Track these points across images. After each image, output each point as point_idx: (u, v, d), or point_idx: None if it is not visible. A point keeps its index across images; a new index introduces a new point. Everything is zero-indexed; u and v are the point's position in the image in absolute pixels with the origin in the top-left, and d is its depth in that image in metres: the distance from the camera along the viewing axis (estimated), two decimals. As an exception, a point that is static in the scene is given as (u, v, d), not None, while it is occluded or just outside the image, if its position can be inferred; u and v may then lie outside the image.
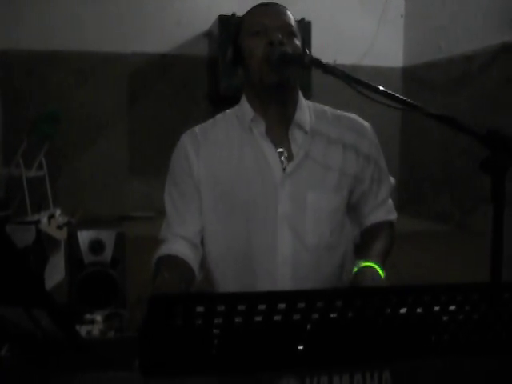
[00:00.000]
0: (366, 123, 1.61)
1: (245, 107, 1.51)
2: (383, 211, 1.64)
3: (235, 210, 1.51)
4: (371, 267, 1.40)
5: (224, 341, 0.73)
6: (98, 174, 3.93)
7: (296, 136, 1.51)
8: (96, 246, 2.14)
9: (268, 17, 1.45)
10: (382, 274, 1.38)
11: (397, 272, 3.03)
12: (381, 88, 1.24)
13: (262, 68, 1.43)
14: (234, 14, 3.82)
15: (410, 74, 4.27)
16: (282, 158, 1.52)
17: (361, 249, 1.57)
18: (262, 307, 0.72)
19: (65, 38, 3.77)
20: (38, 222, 2.30)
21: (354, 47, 4.36)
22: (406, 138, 4.46)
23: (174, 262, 1.47)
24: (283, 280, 1.51)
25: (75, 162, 3.90)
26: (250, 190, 1.49)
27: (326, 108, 1.62)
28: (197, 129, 1.57)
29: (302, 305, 0.74)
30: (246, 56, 1.45)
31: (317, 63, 1.26)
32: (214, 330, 0.73)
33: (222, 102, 3.95)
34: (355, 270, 1.41)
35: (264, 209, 1.50)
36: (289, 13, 1.49)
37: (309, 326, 0.77)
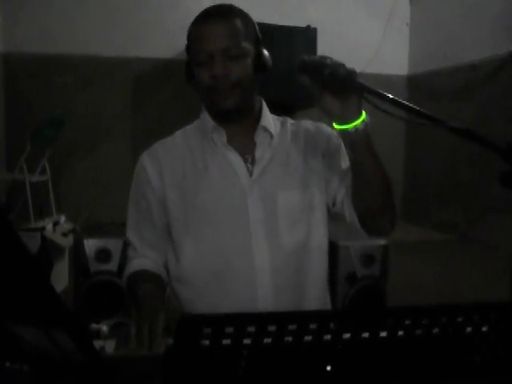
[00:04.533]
0: (322, 124, 1.59)
1: (205, 118, 1.50)
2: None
3: (206, 221, 1.49)
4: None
5: (252, 361, 0.71)
6: (101, 178, 3.91)
7: (262, 140, 1.51)
8: (102, 255, 2.11)
9: (209, 40, 1.39)
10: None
11: (401, 281, 3.02)
12: (399, 100, 1.22)
13: (209, 97, 1.43)
14: (239, 20, 3.81)
15: (415, 83, 4.26)
16: (248, 164, 1.51)
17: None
18: (292, 327, 0.69)
19: (69, 42, 3.76)
20: (42, 228, 2.27)
21: (359, 55, 4.34)
22: (410, 147, 4.45)
23: (146, 276, 1.48)
24: (263, 287, 1.49)
25: (78, 166, 3.87)
26: (219, 200, 1.47)
27: (285, 117, 1.62)
28: (157, 146, 1.55)
29: (331, 325, 0.72)
30: (196, 83, 1.44)
31: (334, 76, 1.24)
32: (243, 351, 0.70)
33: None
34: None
35: (235, 216, 1.48)
36: (234, 20, 1.44)
37: (339, 347, 0.75)
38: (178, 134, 1.57)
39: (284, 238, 1.51)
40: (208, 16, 1.45)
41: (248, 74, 1.44)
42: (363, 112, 1.30)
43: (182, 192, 1.49)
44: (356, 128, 1.30)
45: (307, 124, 1.60)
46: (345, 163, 1.57)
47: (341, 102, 1.28)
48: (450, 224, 3.89)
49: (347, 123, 1.30)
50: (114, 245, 2.13)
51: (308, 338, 0.70)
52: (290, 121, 1.61)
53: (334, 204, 1.57)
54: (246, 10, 3.71)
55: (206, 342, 0.67)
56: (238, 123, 1.51)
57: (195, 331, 0.65)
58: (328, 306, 1.67)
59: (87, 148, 3.91)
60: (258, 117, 1.52)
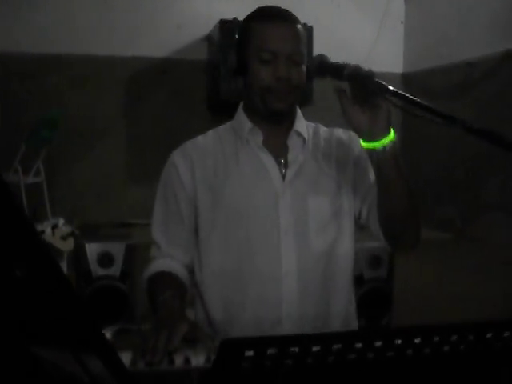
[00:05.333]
0: (353, 133, 1.58)
1: (242, 119, 1.49)
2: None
3: (237, 222, 1.47)
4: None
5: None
6: (96, 180, 3.86)
7: (295, 144, 1.50)
8: (105, 259, 2.08)
9: (277, 41, 1.40)
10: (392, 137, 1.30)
11: (398, 280, 3.01)
12: (420, 101, 1.21)
13: (265, 96, 1.41)
14: (235, 19, 3.77)
15: (411, 81, 4.25)
16: (281, 167, 1.50)
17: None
18: (337, 346, 0.67)
19: (63, 41, 3.71)
20: (42, 232, 2.23)
21: (354, 53, 4.31)
22: (406, 145, 4.43)
23: (169, 279, 1.44)
24: (289, 291, 1.48)
25: (72, 167, 3.82)
26: (250, 202, 1.46)
27: (318, 124, 1.62)
28: (188, 144, 1.53)
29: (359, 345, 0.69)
30: (250, 79, 1.42)
31: (355, 76, 1.22)
32: (282, 373, 0.68)
33: (222, 106, 3.91)
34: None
35: (266, 219, 1.47)
36: (298, 27, 1.44)
37: (366, 365, 0.72)
38: (210, 133, 1.55)
39: (313, 243, 1.50)
40: (274, 16, 1.45)
41: (303, 80, 1.44)
42: (392, 131, 1.29)
43: (213, 191, 1.47)
44: (384, 147, 1.29)
45: (339, 132, 1.60)
46: (372, 175, 1.56)
47: (369, 118, 1.27)
48: (448, 222, 3.89)
49: (375, 140, 1.29)
50: (116, 249, 2.09)
51: (351, 356, 0.68)
52: (322, 128, 1.60)
53: (359, 216, 1.56)
54: (240, 8, 3.68)
55: (247, 365, 0.64)
56: (276, 126, 1.49)
57: (236, 354, 0.62)
58: (352, 312, 1.65)
59: (81, 148, 3.85)
60: (292, 121, 1.51)
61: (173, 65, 4.03)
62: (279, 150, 1.50)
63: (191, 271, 1.53)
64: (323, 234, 1.51)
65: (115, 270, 2.06)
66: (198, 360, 1.07)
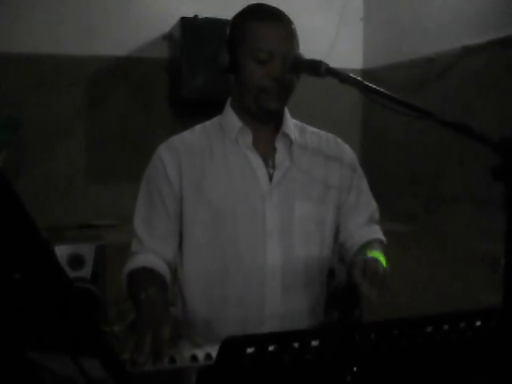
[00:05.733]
0: (345, 144, 1.62)
1: (231, 118, 1.48)
2: (373, 229, 1.64)
3: (222, 221, 1.47)
4: (373, 257, 1.38)
5: (293, 380, 0.69)
6: (58, 181, 3.78)
7: (282, 145, 1.51)
8: (75, 261, 2.04)
9: (273, 41, 1.41)
10: (384, 263, 1.37)
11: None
12: (395, 96, 1.23)
13: (259, 96, 1.42)
14: (196, 16, 3.75)
15: (371, 76, 4.31)
16: (269, 169, 1.51)
17: (360, 252, 1.56)
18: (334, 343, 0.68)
19: (20, 41, 3.62)
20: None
21: (314, 49, 4.30)
22: (367, 139, 4.50)
23: (151, 275, 1.42)
24: (273, 293, 1.49)
25: (32, 169, 3.74)
26: (237, 202, 1.46)
27: (304, 124, 1.63)
28: (175, 139, 1.52)
29: (356, 337, 0.70)
30: (243, 78, 1.42)
31: (332, 72, 1.24)
32: (284, 369, 0.68)
33: (184, 105, 3.88)
34: (357, 258, 1.40)
35: (252, 220, 1.48)
36: (292, 27, 1.46)
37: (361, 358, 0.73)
38: (197, 129, 1.54)
39: (297, 245, 1.51)
40: (269, 15, 1.45)
41: (295, 81, 1.45)
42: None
43: (199, 190, 1.46)
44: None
45: (328, 137, 1.60)
46: (357, 193, 1.58)
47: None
48: (409, 215, 3.96)
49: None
50: (86, 250, 2.06)
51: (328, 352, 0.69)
52: (310, 128, 1.60)
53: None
54: (200, 5, 3.63)
55: (247, 363, 0.64)
56: (265, 126, 1.49)
57: (238, 351, 0.63)
58: (321, 310, 1.68)
59: (43, 150, 3.77)
60: (280, 121, 1.51)
61: (133, 63, 3.99)
62: (267, 151, 1.51)
63: (172, 268, 1.51)
64: (308, 238, 1.53)
65: (86, 272, 2.03)
66: (183, 358, 1.06)
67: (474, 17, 3.43)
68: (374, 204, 1.66)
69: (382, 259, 1.42)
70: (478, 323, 0.73)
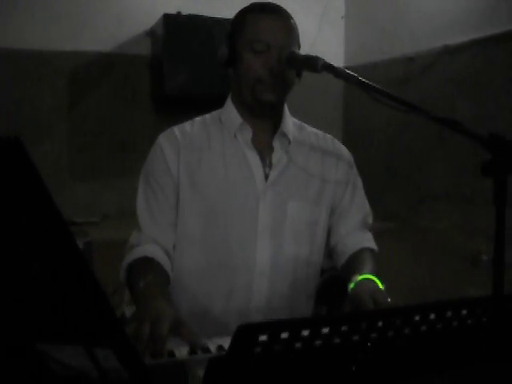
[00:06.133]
0: (341, 144, 1.63)
1: (231, 113, 1.49)
2: (364, 236, 1.65)
3: (215, 216, 1.47)
4: (370, 279, 1.40)
5: (303, 366, 0.70)
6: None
7: (280, 144, 1.51)
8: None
9: (271, 33, 1.42)
10: (381, 285, 1.38)
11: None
12: (391, 93, 1.25)
13: (256, 87, 1.42)
14: (179, 13, 3.74)
15: (352, 75, 4.33)
16: (265, 167, 1.51)
17: (350, 268, 1.57)
18: (344, 328, 0.69)
19: (2, 36, 3.57)
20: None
21: (296, 47, 4.38)
22: (348, 137, 4.53)
23: (151, 265, 1.41)
24: (259, 292, 1.50)
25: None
26: (231, 199, 1.47)
27: (303, 123, 1.64)
28: (176, 129, 1.52)
29: (364, 325, 0.71)
30: (241, 69, 1.43)
31: (329, 67, 1.25)
32: (295, 356, 0.69)
33: (166, 101, 3.87)
34: (352, 285, 1.41)
35: (245, 218, 1.48)
36: (292, 22, 1.47)
37: (368, 346, 0.74)
38: (197, 122, 1.54)
39: (287, 245, 1.52)
40: (269, 10, 1.45)
41: (294, 76, 1.45)
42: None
43: (195, 184, 1.46)
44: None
45: (326, 137, 1.61)
46: (349, 197, 1.59)
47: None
48: (391, 212, 4.00)
49: None
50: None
51: (337, 340, 0.70)
52: (308, 128, 1.60)
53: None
54: (183, 1, 3.62)
55: (259, 350, 0.65)
56: (264, 122, 1.49)
57: (251, 339, 0.63)
58: (311, 307, 1.69)
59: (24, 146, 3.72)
60: (279, 118, 1.51)
61: (115, 60, 3.96)
62: (265, 150, 1.51)
63: (172, 259, 1.51)
64: (298, 240, 1.54)
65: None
66: (181, 351, 1.06)
67: (454, 16, 3.48)
68: (367, 207, 1.68)
69: (378, 281, 1.44)
70: (480, 311, 0.75)
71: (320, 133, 1.66)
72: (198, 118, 1.59)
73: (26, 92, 3.71)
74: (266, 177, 1.52)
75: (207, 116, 1.59)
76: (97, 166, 3.87)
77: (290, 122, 1.58)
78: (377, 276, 1.48)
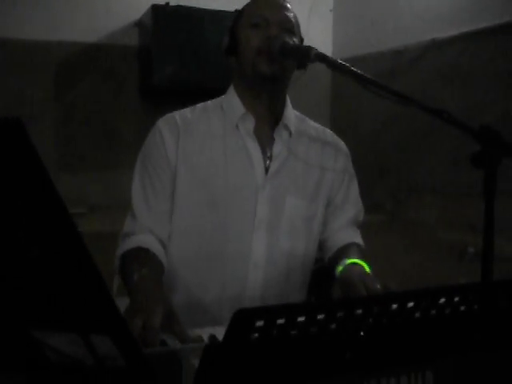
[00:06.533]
0: (340, 140, 1.63)
1: (234, 101, 1.47)
2: (353, 233, 1.66)
3: (213, 206, 1.46)
4: (358, 264, 1.41)
5: (298, 352, 0.70)
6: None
7: (281, 136, 1.51)
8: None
9: (269, 9, 1.42)
10: (368, 270, 1.39)
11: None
12: (383, 84, 1.25)
13: (256, 60, 1.41)
14: (167, 4, 3.72)
15: (340, 68, 4.33)
16: (266, 159, 1.50)
17: (338, 257, 1.58)
18: (340, 314, 0.69)
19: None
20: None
21: (285, 40, 4.37)
22: (335, 130, 4.53)
23: (146, 256, 1.39)
24: (253, 285, 1.50)
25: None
26: (230, 189, 1.45)
27: (304, 116, 1.63)
28: (176, 115, 1.49)
29: (359, 311, 0.72)
30: (241, 46, 1.42)
31: (322, 57, 1.25)
32: (290, 341, 0.69)
33: (154, 93, 3.85)
34: (341, 268, 1.42)
35: (243, 209, 1.47)
36: (290, 7, 1.47)
37: (362, 333, 0.75)
38: (198, 109, 1.51)
39: (283, 238, 1.52)
40: None
41: (296, 47, 1.42)
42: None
43: (194, 172, 1.44)
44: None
45: (326, 131, 1.61)
46: (344, 193, 1.59)
47: None
48: (378, 205, 4.02)
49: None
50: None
51: (333, 326, 0.70)
52: (310, 121, 1.59)
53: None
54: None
55: (255, 336, 0.65)
56: (265, 112, 1.48)
57: (248, 324, 0.64)
58: (303, 297, 1.69)
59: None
60: (281, 109, 1.50)
61: (103, 50, 3.93)
62: (266, 141, 1.50)
63: (166, 249, 1.49)
64: (294, 234, 1.54)
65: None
66: (175, 342, 1.07)
67: (443, 10, 3.49)
68: (360, 204, 1.69)
69: (366, 266, 1.45)
70: (471, 297, 0.76)
71: (320, 126, 1.67)
72: (199, 105, 1.57)
73: (13, 82, 3.67)
74: (266, 169, 1.51)
75: (209, 103, 1.57)
76: (84, 157, 3.84)
77: (292, 115, 1.58)
78: (365, 261, 1.49)
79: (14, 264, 0.57)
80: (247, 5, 1.53)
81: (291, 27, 1.47)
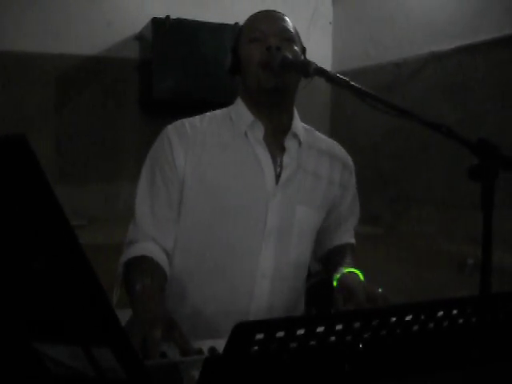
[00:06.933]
0: (347, 153, 1.64)
1: (242, 110, 1.46)
2: (348, 235, 1.69)
3: (221, 215, 1.44)
4: (354, 272, 1.42)
5: (297, 365, 0.70)
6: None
7: (290, 145, 1.50)
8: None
9: (266, 23, 1.44)
10: (362, 278, 1.40)
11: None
12: (381, 98, 1.26)
13: (259, 73, 1.41)
14: (168, 17, 3.75)
15: (340, 80, 4.35)
16: (276, 167, 1.49)
17: (331, 259, 1.59)
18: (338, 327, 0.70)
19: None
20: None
21: (284, 53, 4.40)
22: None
23: (149, 265, 1.37)
24: (260, 294, 1.48)
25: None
26: (240, 197, 1.43)
27: (311, 128, 1.64)
28: (185, 122, 1.47)
29: (358, 324, 0.72)
30: (243, 62, 1.42)
31: (320, 71, 1.26)
32: (288, 355, 0.70)
33: (154, 105, 3.87)
34: (338, 276, 1.42)
35: (253, 219, 1.45)
36: (287, 19, 1.49)
37: (360, 346, 0.76)
38: (207, 117, 1.50)
39: (291, 248, 1.51)
40: (265, 10, 1.47)
41: (296, 54, 1.42)
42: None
43: (203, 181, 1.42)
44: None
45: (334, 143, 1.61)
46: (350, 203, 1.60)
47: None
48: (377, 217, 4.03)
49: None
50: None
51: (333, 338, 0.71)
52: (316, 133, 1.60)
53: None
54: (171, 6, 3.62)
55: (255, 348, 0.66)
56: (274, 122, 1.48)
57: (248, 338, 0.64)
58: (302, 306, 1.70)
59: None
60: (289, 119, 1.50)
61: (104, 63, 3.96)
62: (275, 149, 1.50)
63: (170, 259, 1.47)
64: (302, 243, 1.53)
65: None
66: (175, 354, 1.07)
67: (441, 23, 3.52)
68: (358, 211, 1.70)
69: (361, 275, 1.46)
70: (470, 310, 0.76)
71: (328, 139, 1.67)
72: (208, 114, 1.55)
73: (13, 94, 3.69)
74: (277, 177, 1.50)
75: (218, 112, 1.56)
76: (84, 169, 3.86)
77: (299, 125, 1.58)
78: (359, 270, 1.51)
79: (15, 276, 0.57)
80: (245, 22, 1.54)
81: (290, 37, 1.47)
